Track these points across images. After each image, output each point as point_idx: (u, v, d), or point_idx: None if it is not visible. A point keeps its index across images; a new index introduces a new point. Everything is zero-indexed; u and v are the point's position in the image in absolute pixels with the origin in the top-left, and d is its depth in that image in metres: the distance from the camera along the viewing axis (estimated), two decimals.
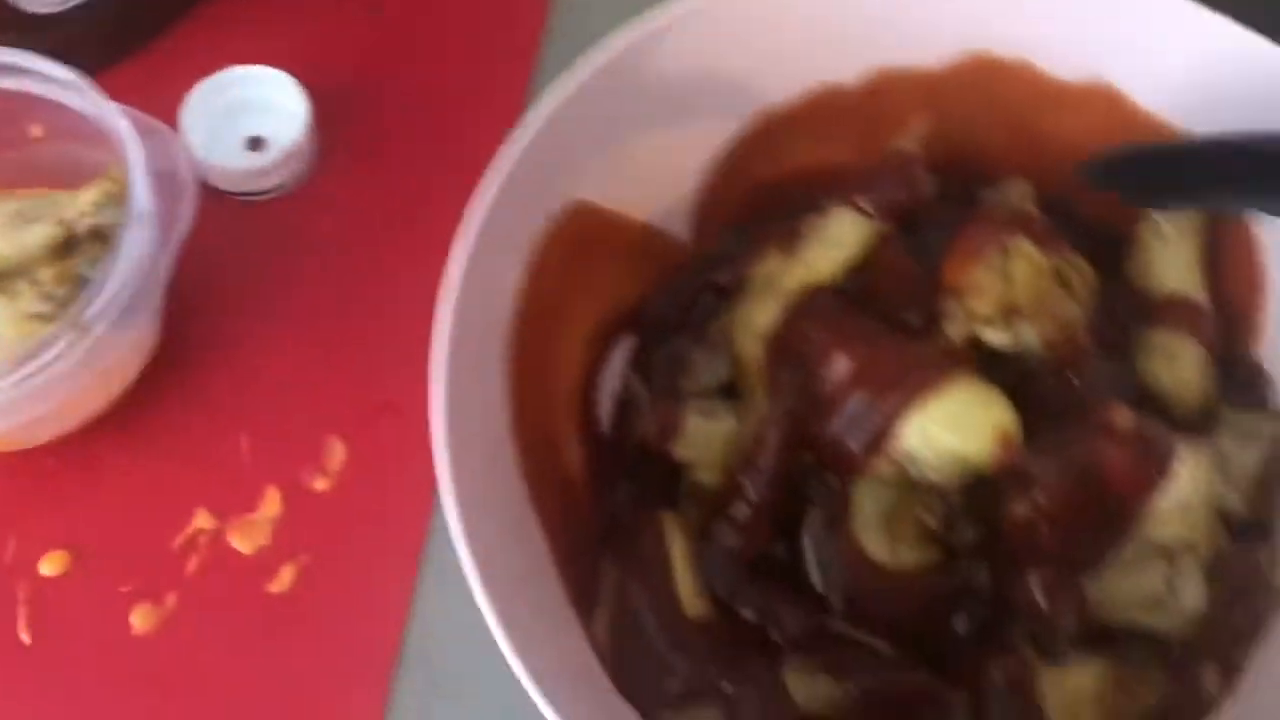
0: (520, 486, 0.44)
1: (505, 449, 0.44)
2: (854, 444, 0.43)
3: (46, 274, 0.48)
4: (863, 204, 0.47)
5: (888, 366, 0.43)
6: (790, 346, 0.45)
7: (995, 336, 0.44)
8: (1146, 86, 0.49)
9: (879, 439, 0.42)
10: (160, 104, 0.53)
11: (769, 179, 0.51)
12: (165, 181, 0.49)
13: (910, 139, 0.49)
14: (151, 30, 0.60)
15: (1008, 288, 0.45)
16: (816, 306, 0.45)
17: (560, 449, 0.47)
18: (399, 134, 0.59)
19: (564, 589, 0.43)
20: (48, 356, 0.44)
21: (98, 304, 0.44)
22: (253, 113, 0.57)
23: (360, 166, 0.58)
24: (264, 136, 0.57)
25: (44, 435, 0.49)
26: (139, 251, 0.46)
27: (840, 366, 0.43)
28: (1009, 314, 0.44)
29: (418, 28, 0.62)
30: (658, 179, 0.50)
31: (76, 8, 0.56)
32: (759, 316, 0.46)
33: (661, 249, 0.51)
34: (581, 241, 0.48)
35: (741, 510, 0.43)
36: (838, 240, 0.47)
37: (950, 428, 0.41)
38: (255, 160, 0.55)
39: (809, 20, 0.49)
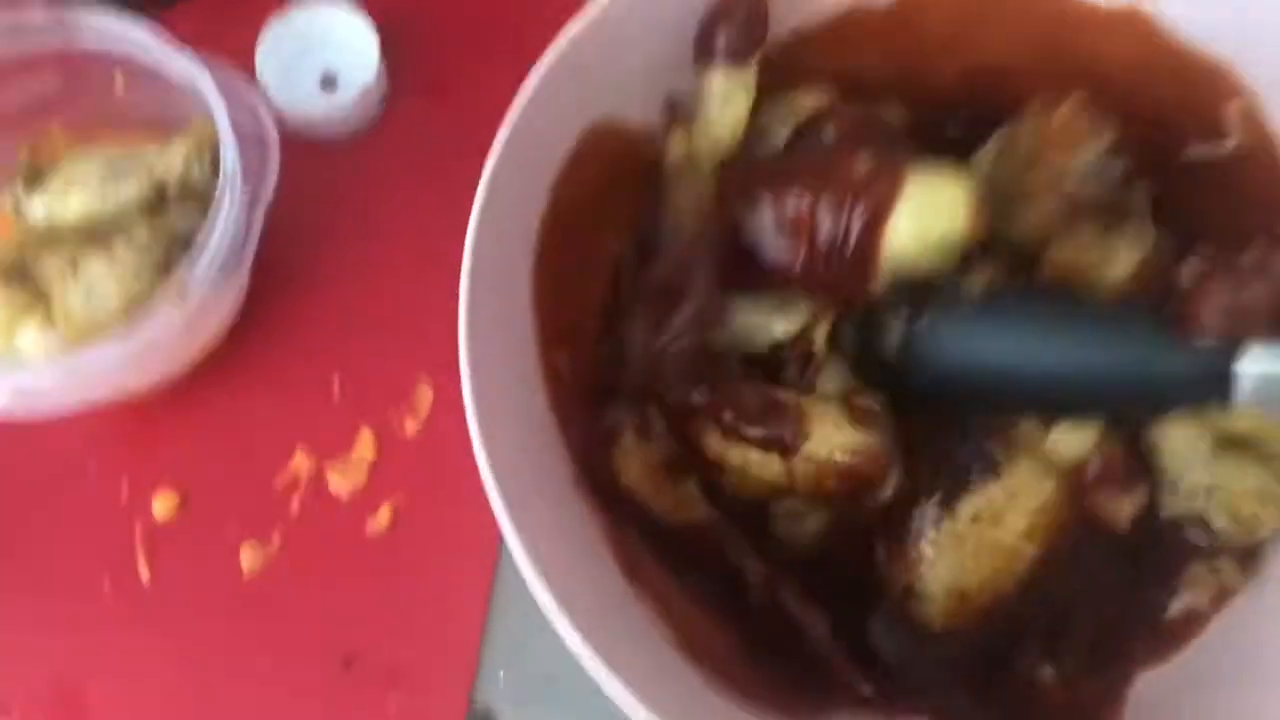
0: (542, 398, 0.44)
1: (530, 361, 0.45)
2: (845, 267, 0.43)
3: (142, 232, 0.50)
4: (718, 57, 0.46)
5: (846, 183, 0.42)
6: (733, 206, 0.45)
7: None
8: (1180, 13, 0.47)
9: (868, 256, 0.42)
10: (228, 42, 0.54)
11: None
12: (249, 137, 0.49)
13: None
14: None
15: None
16: (745, 169, 0.46)
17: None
18: (465, 65, 0.59)
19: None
20: (154, 326, 0.45)
21: (197, 271, 0.46)
22: (323, 50, 0.57)
23: (429, 101, 0.58)
24: (335, 74, 0.57)
25: (145, 386, 0.51)
26: (232, 213, 0.47)
27: (800, 200, 0.43)
28: None
29: None
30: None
31: None
32: (687, 200, 0.46)
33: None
34: (603, 160, 0.47)
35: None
36: (724, 98, 0.46)
37: (928, 218, 0.42)
38: (332, 103, 0.56)
39: None
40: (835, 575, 0.45)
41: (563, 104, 0.44)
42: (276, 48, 0.56)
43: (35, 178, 0.51)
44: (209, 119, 0.50)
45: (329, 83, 0.57)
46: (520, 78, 0.59)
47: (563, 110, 0.44)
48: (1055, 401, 0.44)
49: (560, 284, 0.45)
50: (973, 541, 0.43)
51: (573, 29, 0.44)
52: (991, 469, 0.43)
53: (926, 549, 0.43)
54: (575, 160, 0.45)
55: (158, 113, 0.53)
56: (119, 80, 0.52)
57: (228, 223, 0.47)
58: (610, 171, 0.46)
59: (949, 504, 0.43)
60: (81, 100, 0.53)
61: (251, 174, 0.49)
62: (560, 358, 0.45)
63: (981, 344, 0.44)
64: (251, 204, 0.48)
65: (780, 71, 0.48)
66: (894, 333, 0.45)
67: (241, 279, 0.48)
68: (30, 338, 0.49)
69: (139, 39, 0.49)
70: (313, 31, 0.57)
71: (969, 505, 0.43)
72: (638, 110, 0.47)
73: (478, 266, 0.41)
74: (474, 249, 0.41)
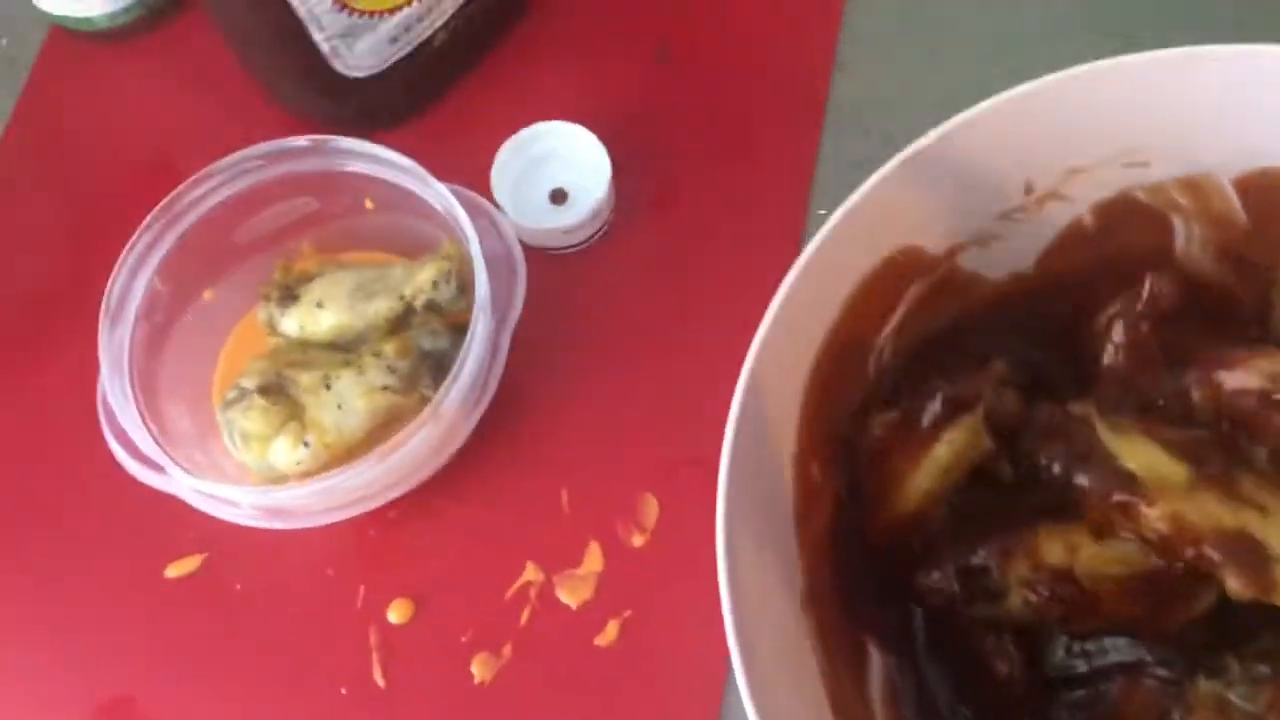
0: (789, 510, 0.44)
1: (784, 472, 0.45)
2: None
3: (388, 347, 0.51)
4: None
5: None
6: None
7: None
8: None
9: None
10: (463, 160, 0.56)
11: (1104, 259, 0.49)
12: (497, 259, 0.51)
13: None
14: (445, 87, 0.63)
15: None
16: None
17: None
18: (693, 181, 0.60)
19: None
20: (410, 446, 0.47)
21: (453, 395, 0.47)
22: (554, 165, 0.59)
23: (656, 215, 0.59)
24: (565, 189, 0.59)
25: (388, 500, 0.53)
26: (484, 339, 0.48)
27: None
28: None
29: (705, 74, 0.62)
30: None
31: (385, 70, 0.59)
32: None
33: (970, 289, 0.49)
34: (893, 281, 0.47)
35: None
36: None
37: None
38: (563, 218, 0.57)
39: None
40: None
41: (860, 238, 0.45)
42: (509, 164, 0.58)
43: (289, 295, 0.53)
44: (457, 242, 0.52)
45: (558, 197, 0.59)
46: (742, 190, 0.60)
47: (860, 244, 0.45)
48: None
49: (827, 394, 0.45)
50: None
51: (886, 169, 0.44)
52: None
53: None
54: (867, 286, 0.45)
55: (403, 233, 0.55)
56: (369, 202, 0.54)
57: (480, 347, 0.48)
58: (896, 294, 0.46)
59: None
60: (332, 219, 0.55)
61: (500, 297, 0.50)
62: (814, 466, 0.45)
63: None
64: (499, 327, 0.50)
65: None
66: None
67: (488, 399, 0.50)
68: (284, 450, 0.51)
69: (392, 163, 0.52)
70: (544, 148, 0.59)
71: None
72: (932, 242, 0.47)
73: (754, 380, 0.42)
74: (755, 364, 0.42)
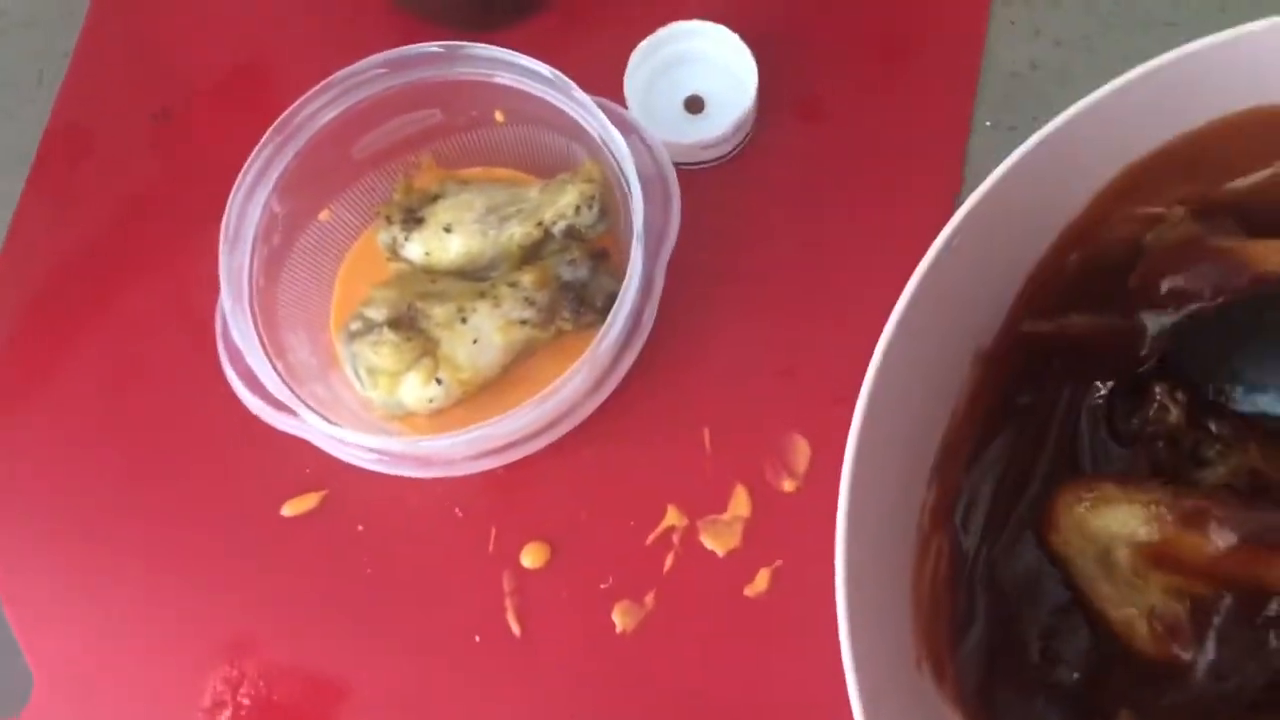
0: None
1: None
2: None
3: (526, 278, 0.47)
4: None
5: None
6: None
7: None
8: None
9: None
10: (592, 64, 0.51)
11: None
12: (650, 186, 0.46)
13: None
14: None
15: None
16: None
17: None
18: (843, 88, 0.55)
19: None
20: (567, 390, 0.43)
21: (611, 336, 0.43)
22: (690, 70, 0.54)
23: (803, 127, 0.54)
24: (702, 96, 0.54)
25: (540, 445, 0.48)
26: (640, 272, 0.44)
27: None
28: None
29: None
30: None
31: None
32: None
33: None
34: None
35: None
36: None
37: None
38: (702, 131, 0.52)
39: None
40: None
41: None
42: (639, 69, 0.53)
43: (412, 218, 0.49)
44: (599, 162, 0.47)
45: (694, 105, 0.54)
46: (899, 98, 0.54)
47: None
48: None
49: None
50: None
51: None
52: None
53: None
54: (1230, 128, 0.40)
55: (535, 149, 0.50)
56: (499, 114, 0.49)
57: (638, 280, 0.44)
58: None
59: None
60: (456, 132, 0.50)
61: (653, 225, 0.46)
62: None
63: None
64: (654, 256, 0.46)
65: None
66: None
67: (643, 336, 0.46)
68: (415, 387, 0.47)
69: (532, 72, 0.46)
70: (678, 50, 0.53)
71: None
72: None
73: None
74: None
